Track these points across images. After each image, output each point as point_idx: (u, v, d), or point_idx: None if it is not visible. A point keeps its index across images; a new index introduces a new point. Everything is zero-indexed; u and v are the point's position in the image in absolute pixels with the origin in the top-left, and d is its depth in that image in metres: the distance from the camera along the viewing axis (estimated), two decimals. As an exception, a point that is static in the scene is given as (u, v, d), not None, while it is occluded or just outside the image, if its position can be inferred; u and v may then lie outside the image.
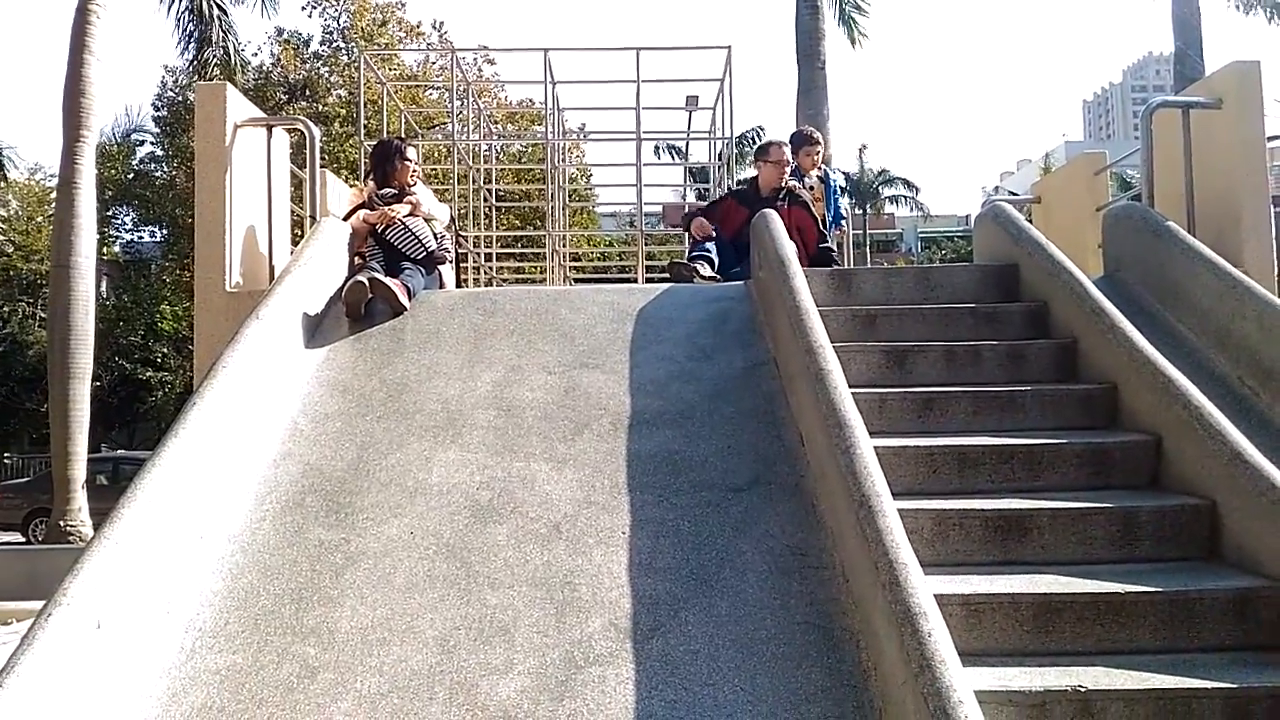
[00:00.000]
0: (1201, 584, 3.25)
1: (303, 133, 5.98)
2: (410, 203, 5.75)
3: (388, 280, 5.16)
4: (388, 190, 5.80)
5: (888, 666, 2.84)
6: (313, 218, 5.78)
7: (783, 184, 6.77)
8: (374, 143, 6.64)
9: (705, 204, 7.71)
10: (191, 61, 21.13)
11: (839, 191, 7.89)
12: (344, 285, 5.17)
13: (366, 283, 5.08)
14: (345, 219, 5.72)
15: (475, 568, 3.48)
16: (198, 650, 3.13)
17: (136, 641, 3.02)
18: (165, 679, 3.01)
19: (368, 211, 5.70)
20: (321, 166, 6.19)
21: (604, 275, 16.79)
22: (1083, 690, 2.90)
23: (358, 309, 5.07)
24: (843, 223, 7.91)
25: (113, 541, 3.07)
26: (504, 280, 12.75)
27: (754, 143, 25.94)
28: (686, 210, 8.08)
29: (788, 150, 7.03)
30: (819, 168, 7.67)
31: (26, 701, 2.55)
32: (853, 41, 16.67)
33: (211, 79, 16.15)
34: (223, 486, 3.73)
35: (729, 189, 8.06)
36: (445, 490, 3.89)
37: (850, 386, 3.82)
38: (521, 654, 3.11)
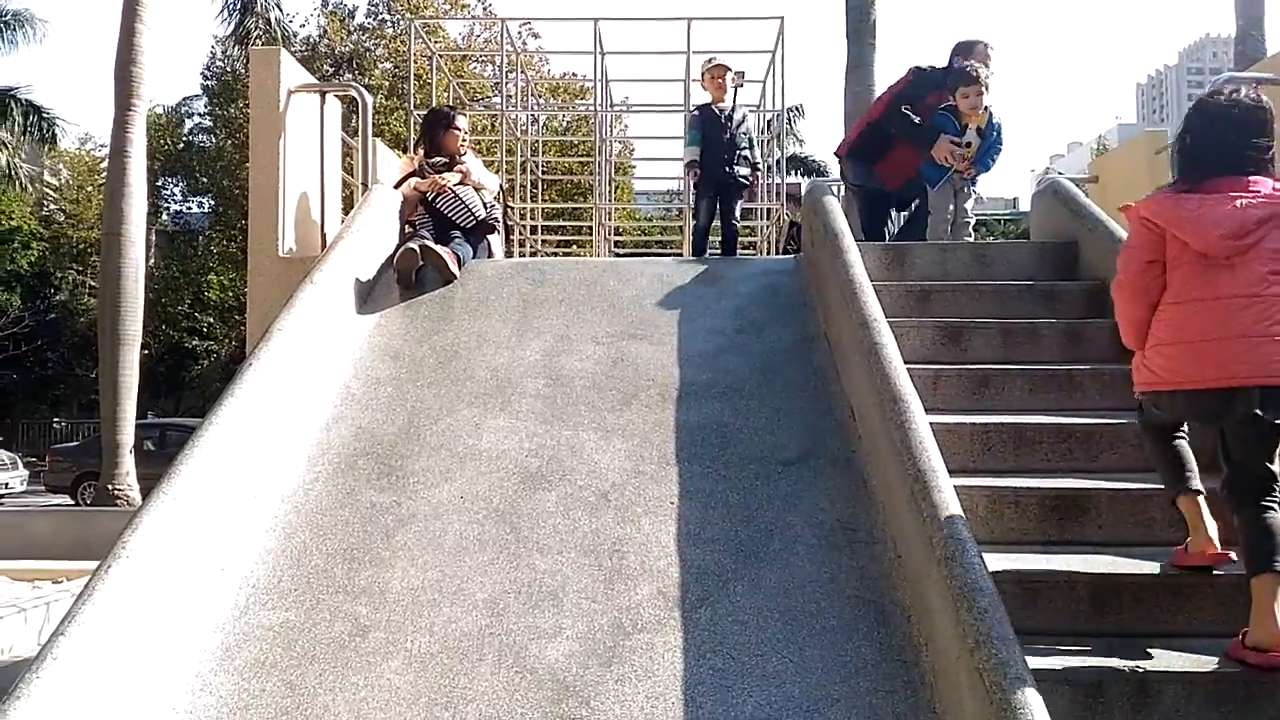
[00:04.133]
0: (1264, 569, 3.18)
1: (354, 99, 5.99)
2: (460, 171, 5.75)
3: (438, 248, 5.18)
4: (438, 159, 5.80)
5: (941, 642, 2.81)
6: (364, 185, 5.81)
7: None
8: (423, 112, 6.65)
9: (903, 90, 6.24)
10: (234, 30, 21.31)
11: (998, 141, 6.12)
12: (395, 252, 5.20)
13: (418, 250, 5.10)
14: (396, 187, 5.74)
15: (524, 533, 3.49)
16: (251, 607, 3.17)
17: (191, 597, 3.07)
18: (219, 634, 3.05)
19: (418, 180, 5.71)
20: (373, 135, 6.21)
21: (646, 250, 16.74)
22: (1140, 671, 2.85)
23: (409, 276, 5.09)
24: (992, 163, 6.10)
25: (170, 497, 3.11)
26: (549, 253, 12.76)
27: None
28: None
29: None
30: (981, 114, 5.98)
31: (86, 651, 2.60)
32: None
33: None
34: (276, 447, 3.77)
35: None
36: (495, 456, 3.90)
37: (904, 362, 3.77)
38: (570, 619, 3.11)
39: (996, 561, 3.14)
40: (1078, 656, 2.93)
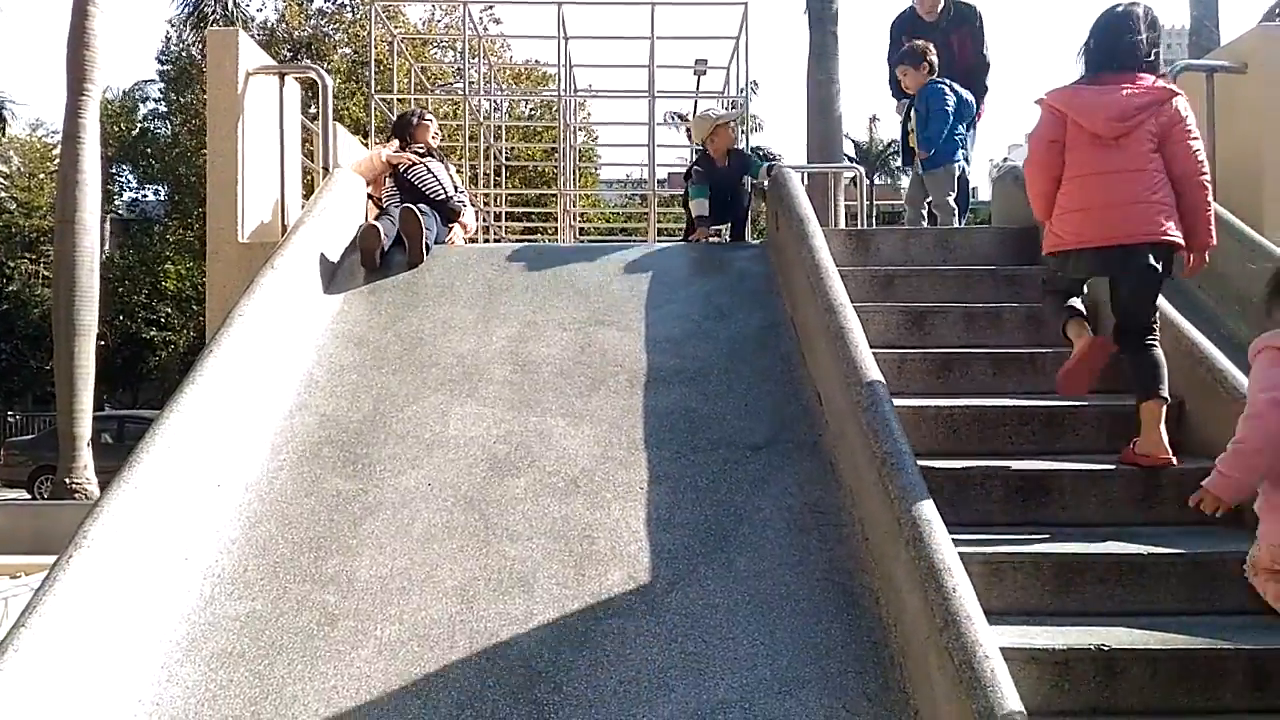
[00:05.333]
0: (1223, 547, 3.23)
1: (314, 82, 5.90)
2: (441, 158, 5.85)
3: (420, 216, 5.14)
4: (419, 145, 5.84)
5: (909, 622, 2.84)
6: (325, 169, 5.73)
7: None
8: (382, 96, 6.59)
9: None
10: (191, 14, 20.93)
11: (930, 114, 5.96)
12: (360, 232, 5.15)
13: (380, 228, 5.06)
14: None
15: (493, 520, 3.47)
16: (216, 597, 3.13)
17: (155, 587, 3.02)
18: (184, 625, 3.01)
19: (390, 152, 5.74)
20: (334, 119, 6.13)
21: (612, 237, 16.70)
22: (1105, 650, 2.89)
23: (372, 257, 5.02)
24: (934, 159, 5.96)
25: (131, 486, 3.06)
26: (513, 240, 12.69)
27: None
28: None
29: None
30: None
31: (48, 642, 2.55)
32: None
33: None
34: (239, 435, 3.72)
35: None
36: (462, 443, 3.88)
37: (869, 347, 3.79)
38: (541, 605, 3.10)
39: (963, 542, 3.17)
40: (1044, 636, 2.96)
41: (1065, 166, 3.65)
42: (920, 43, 6.08)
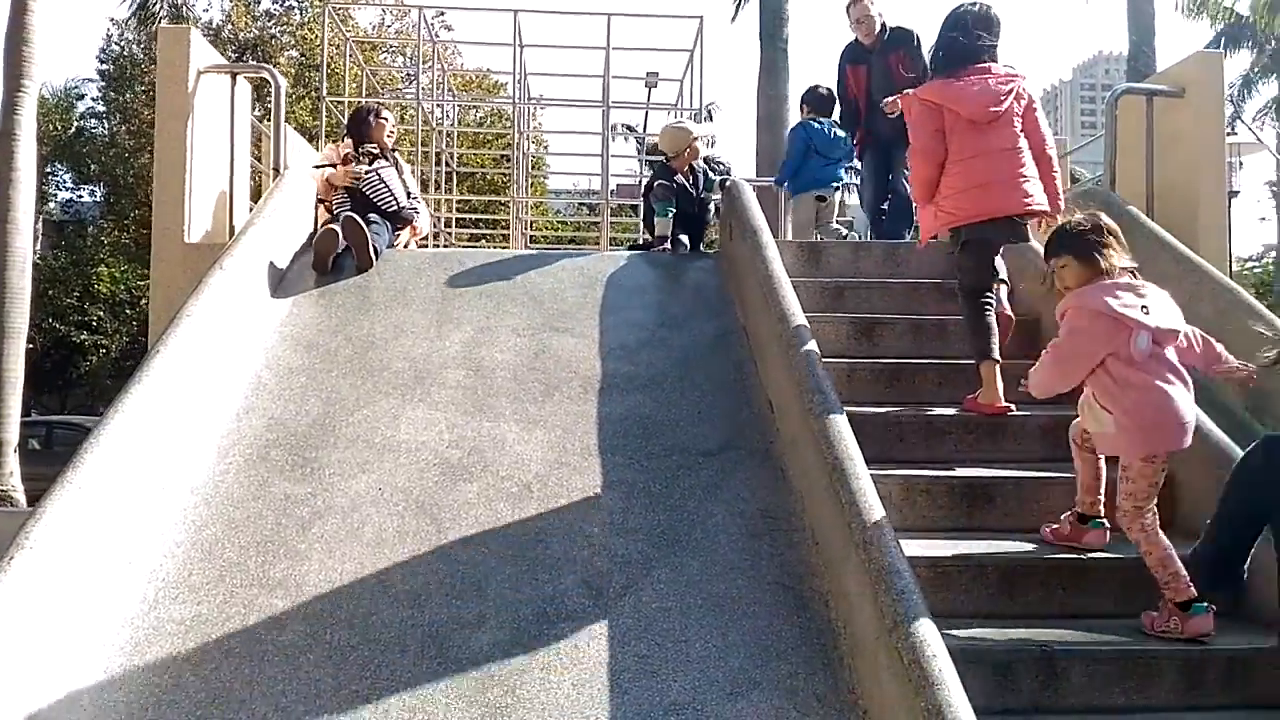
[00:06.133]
0: (1160, 553, 3.33)
1: (264, 81, 5.83)
2: (395, 160, 5.79)
3: (365, 226, 5.08)
4: (370, 145, 5.74)
5: (859, 624, 2.88)
6: (275, 171, 5.65)
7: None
8: (333, 99, 6.53)
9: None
10: (135, 12, 20.50)
11: (789, 153, 6.77)
12: (312, 236, 5.09)
13: (339, 232, 4.99)
14: (316, 167, 5.68)
15: (446, 524, 3.46)
16: (161, 601, 3.07)
17: (98, 590, 2.95)
18: (128, 629, 2.94)
19: (333, 171, 5.64)
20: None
21: (563, 246, 16.70)
22: (1047, 651, 2.96)
23: (325, 261, 4.98)
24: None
25: (75, 487, 3.00)
26: (463, 248, 12.62)
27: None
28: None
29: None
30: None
31: (-13, 645, 2.48)
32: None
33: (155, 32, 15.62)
34: (185, 437, 3.66)
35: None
36: (414, 448, 3.85)
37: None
38: (493, 608, 3.09)
39: (910, 547, 3.22)
40: (988, 637, 3.03)
41: (948, 153, 4.06)
42: (820, 85, 6.75)
